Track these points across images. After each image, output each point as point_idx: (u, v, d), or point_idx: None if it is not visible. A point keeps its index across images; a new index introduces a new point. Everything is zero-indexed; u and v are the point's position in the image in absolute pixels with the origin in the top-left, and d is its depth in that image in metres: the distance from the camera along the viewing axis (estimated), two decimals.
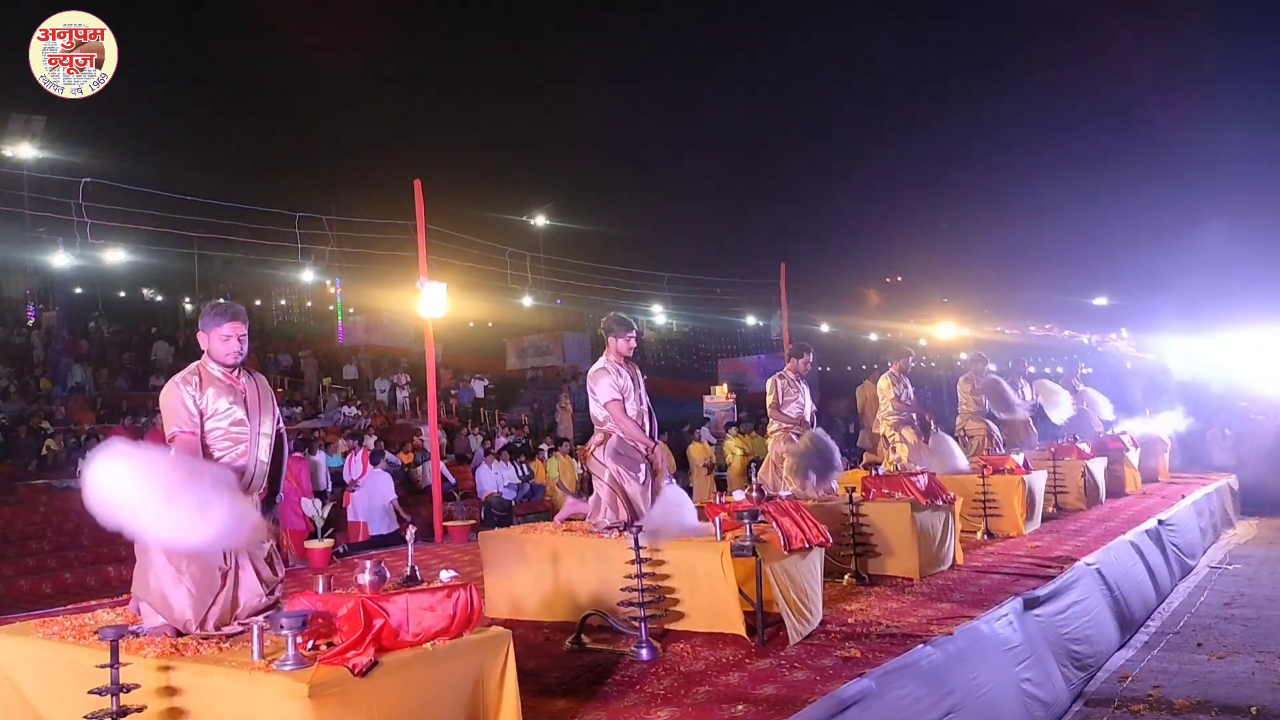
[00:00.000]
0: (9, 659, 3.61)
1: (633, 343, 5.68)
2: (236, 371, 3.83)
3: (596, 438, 5.59)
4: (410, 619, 3.05)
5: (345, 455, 12.21)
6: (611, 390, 5.49)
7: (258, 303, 33.78)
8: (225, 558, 3.57)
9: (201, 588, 3.50)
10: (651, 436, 5.61)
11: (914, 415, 9.24)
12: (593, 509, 5.55)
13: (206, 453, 3.69)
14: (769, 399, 7.77)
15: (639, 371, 5.74)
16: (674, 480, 5.73)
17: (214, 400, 3.72)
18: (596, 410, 5.57)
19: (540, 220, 32.96)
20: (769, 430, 8.02)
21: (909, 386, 9.40)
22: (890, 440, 9.28)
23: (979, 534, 8.08)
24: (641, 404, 5.60)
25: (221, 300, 4.00)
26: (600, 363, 5.66)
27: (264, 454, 3.78)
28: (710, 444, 15.78)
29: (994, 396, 10.71)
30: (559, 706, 3.86)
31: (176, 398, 3.70)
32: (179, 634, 3.45)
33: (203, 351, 3.86)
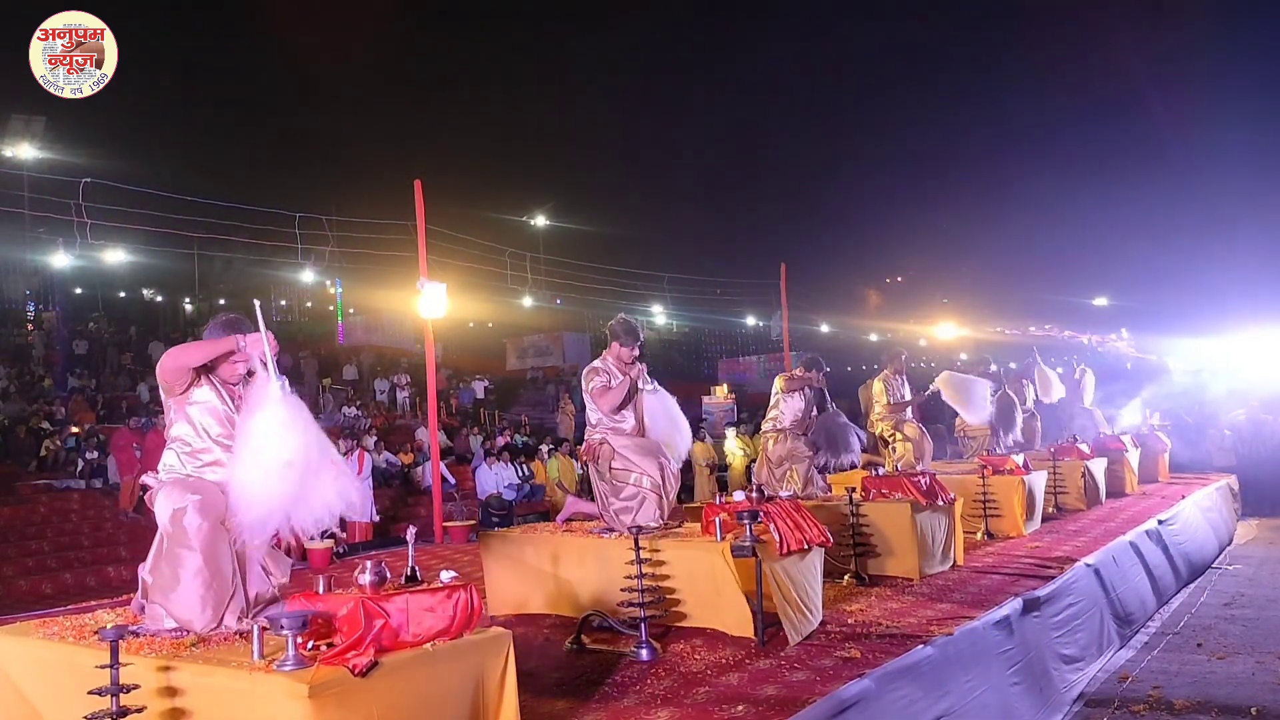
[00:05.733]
0: (9, 659, 3.61)
1: (633, 354, 5.61)
2: (239, 384, 3.77)
3: (595, 437, 5.51)
4: (410, 619, 3.05)
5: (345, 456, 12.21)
6: (598, 381, 5.47)
7: (258, 303, 33.74)
8: (234, 556, 3.55)
9: (224, 592, 3.49)
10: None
11: (909, 410, 9.19)
12: (630, 510, 5.43)
13: (202, 450, 3.63)
14: (778, 409, 7.72)
15: (640, 372, 5.65)
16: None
17: (206, 401, 3.66)
18: (590, 413, 5.55)
19: (540, 220, 33.00)
20: (763, 430, 7.99)
21: (905, 385, 9.34)
22: (890, 440, 9.27)
23: (979, 534, 8.08)
24: (638, 407, 5.56)
25: (231, 315, 3.89)
26: (598, 361, 5.61)
27: None
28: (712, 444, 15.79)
29: (1002, 410, 10.82)
30: (559, 706, 3.85)
31: (174, 362, 3.63)
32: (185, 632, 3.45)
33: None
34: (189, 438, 3.66)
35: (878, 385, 9.32)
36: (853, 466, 7.80)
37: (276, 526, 3.42)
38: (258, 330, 3.68)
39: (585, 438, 5.66)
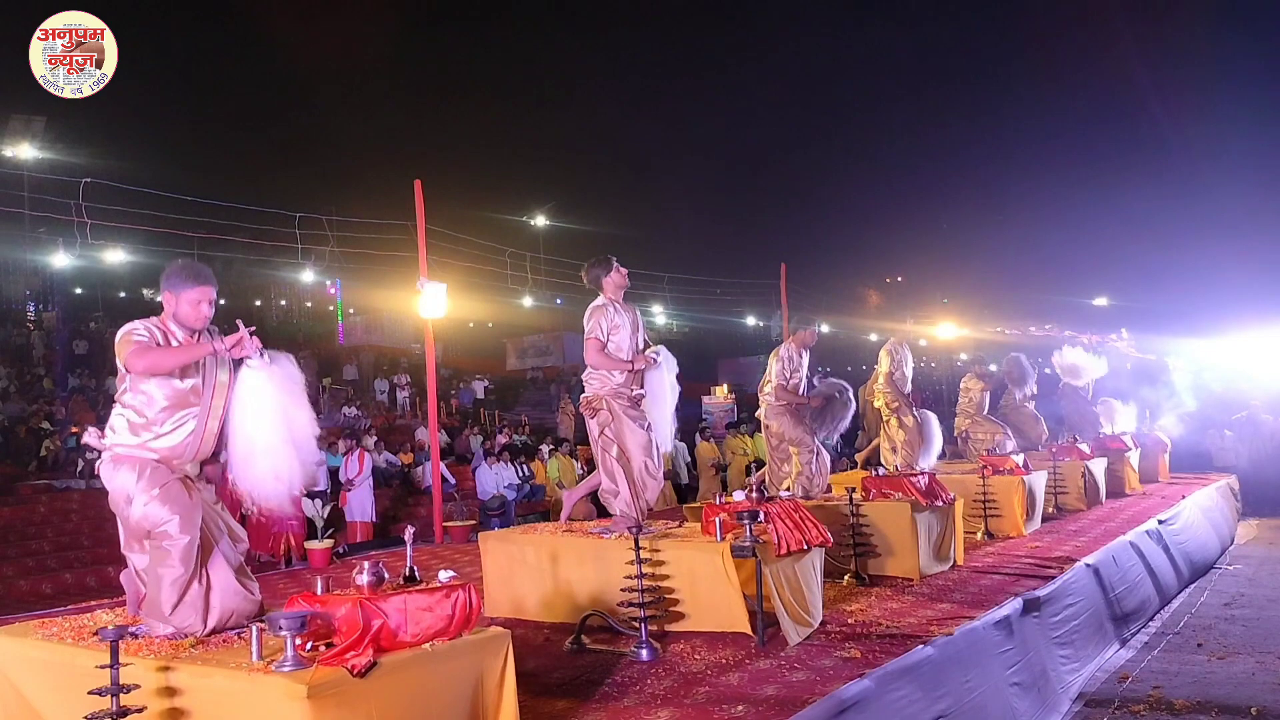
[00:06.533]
0: (9, 659, 3.61)
1: (625, 276, 5.47)
2: (198, 336, 3.68)
3: (596, 388, 5.38)
4: (409, 619, 3.05)
5: (344, 454, 12.20)
6: (597, 329, 5.32)
7: (257, 303, 33.79)
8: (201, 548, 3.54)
9: (202, 595, 3.50)
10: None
11: (904, 395, 8.88)
12: (610, 500, 5.40)
13: (154, 422, 3.57)
14: (775, 373, 7.32)
15: (638, 314, 5.55)
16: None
17: (165, 375, 3.56)
18: (588, 355, 5.41)
19: (540, 220, 33.00)
20: (764, 405, 7.47)
21: (909, 361, 8.94)
22: (886, 419, 8.97)
23: (979, 534, 8.08)
24: (637, 348, 5.45)
25: (186, 259, 3.85)
26: (599, 300, 5.45)
27: (214, 423, 3.65)
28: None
29: (1016, 369, 11.03)
30: (559, 707, 3.85)
31: (132, 341, 3.51)
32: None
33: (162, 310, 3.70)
34: (142, 408, 3.57)
35: (883, 355, 8.95)
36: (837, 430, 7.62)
37: (275, 491, 3.53)
38: (215, 284, 3.71)
39: (584, 380, 5.49)
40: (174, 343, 3.60)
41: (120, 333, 3.59)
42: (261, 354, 3.54)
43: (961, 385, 11.01)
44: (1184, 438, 14.47)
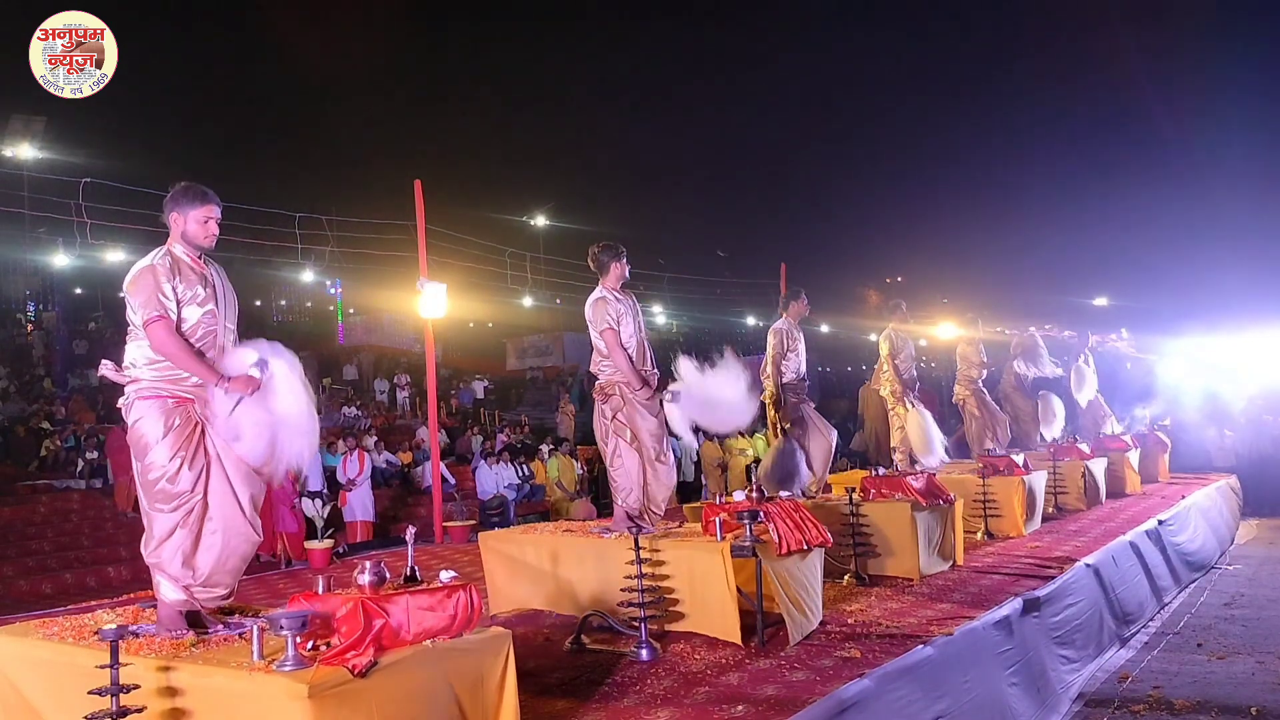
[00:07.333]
0: (9, 659, 3.61)
1: (627, 268, 5.47)
2: (203, 258, 3.72)
3: (608, 373, 5.33)
4: (410, 619, 3.05)
5: (343, 455, 12.20)
6: (611, 319, 5.28)
7: (257, 303, 33.75)
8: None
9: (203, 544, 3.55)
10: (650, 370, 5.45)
11: (907, 382, 8.79)
12: (618, 487, 5.36)
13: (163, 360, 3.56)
14: (772, 354, 7.27)
15: (635, 300, 5.53)
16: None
17: (185, 287, 3.60)
18: (598, 342, 5.37)
19: (540, 220, 32.97)
20: (767, 389, 7.34)
21: (910, 346, 8.81)
22: (892, 407, 8.84)
23: (979, 534, 8.08)
24: (640, 333, 5.42)
25: (188, 181, 3.85)
26: (598, 292, 5.42)
27: (227, 337, 3.68)
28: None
29: (1030, 346, 11.18)
30: (559, 706, 3.85)
31: (151, 283, 3.51)
32: (192, 620, 3.49)
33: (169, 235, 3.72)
34: (183, 327, 3.59)
35: (882, 342, 8.83)
36: (803, 495, 7.05)
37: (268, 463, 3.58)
38: (220, 203, 3.82)
39: (595, 369, 5.42)
40: (178, 275, 3.61)
41: (136, 271, 3.60)
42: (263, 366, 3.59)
43: (959, 352, 10.91)
44: (1184, 438, 14.48)
